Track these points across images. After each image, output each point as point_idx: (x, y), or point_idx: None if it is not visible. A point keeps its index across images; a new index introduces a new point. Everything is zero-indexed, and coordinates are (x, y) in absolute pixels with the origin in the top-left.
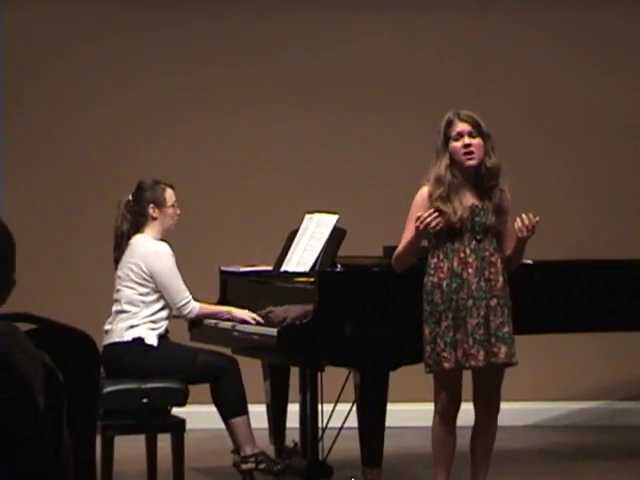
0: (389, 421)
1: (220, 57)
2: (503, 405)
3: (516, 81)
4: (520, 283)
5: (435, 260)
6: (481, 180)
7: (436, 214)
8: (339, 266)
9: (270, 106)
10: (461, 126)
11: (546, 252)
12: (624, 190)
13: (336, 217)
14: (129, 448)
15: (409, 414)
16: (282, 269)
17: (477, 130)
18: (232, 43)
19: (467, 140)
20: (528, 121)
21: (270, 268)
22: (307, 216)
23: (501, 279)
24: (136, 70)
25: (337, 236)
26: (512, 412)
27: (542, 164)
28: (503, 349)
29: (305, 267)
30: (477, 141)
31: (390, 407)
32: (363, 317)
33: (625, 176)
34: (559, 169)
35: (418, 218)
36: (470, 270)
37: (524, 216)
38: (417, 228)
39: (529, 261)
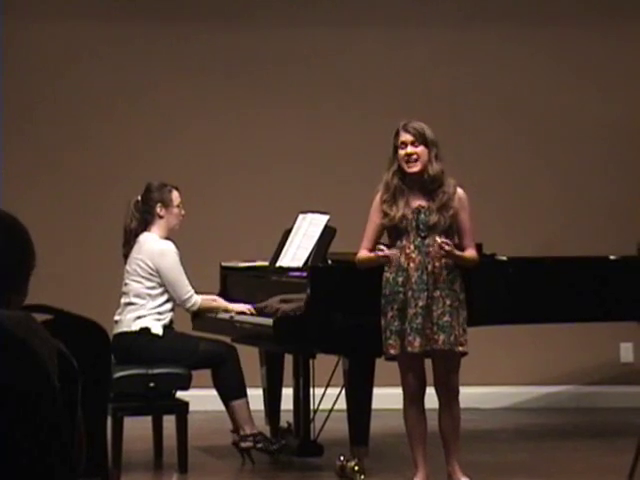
0: (375, 404)
1: (221, 66)
2: (480, 389)
3: (498, 91)
4: (495, 278)
5: None
6: (425, 184)
7: (396, 252)
8: (330, 261)
9: (266, 114)
10: (404, 136)
11: (519, 249)
12: (592, 193)
13: (327, 217)
14: (137, 428)
15: (393, 397)
16: (277, 264)
17: (420, 139)
18: (231, 53)
19: (409, 149)
20: (507, 129)
21: (267, 263)
22: (300, 216)
23: (445, 272)
24: (143, 80)
25: (328, 234)
26: (489, 395)
27: (518, 170)
28: (442, 337)
29: (299, 262)
30: (420, 150)
31: (376, 391)
32: (351, 308)
33: (593, 181)
34: (533, 175)
35: (381, 250)
36: (412, 264)
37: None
38: (378, 257)
39: (504, 257)
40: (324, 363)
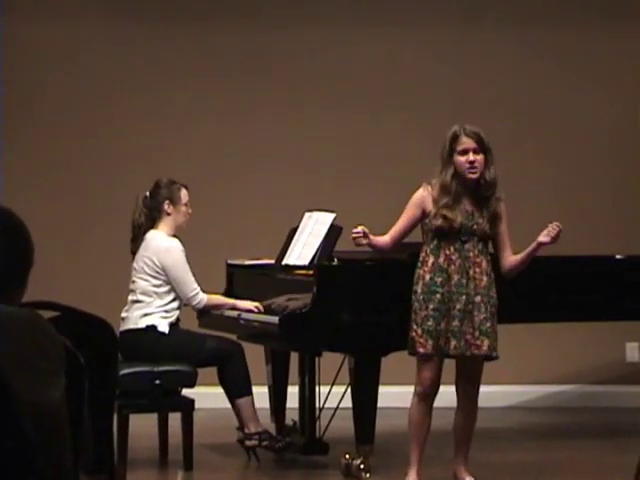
0: (381, 402)
1: (228, 66)
2: (486, 388)
3: (500, 91)
4: (501, 278)
5: (423, 254)
6: (480, 190)
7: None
8: (335, 260)
9: (273, 113)
10: (467, 142)
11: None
12: (601, 194)
13: (333, 215)
14: (143, 426)
15: (399, 396)
16: (283, 263)
17: (480, 146)
18: (238, 53)
19: (472, 157)
20: (511, 128)
21: (272, 262)
22: (306, 214)
23: (485, 278)
24: (152, 78)
25: (334, 233)
26: (494, 394)
27: (526, 170)
28: (486, 342)
29: (304, 261)
30: (480, 157)
31: (381, 389)
32: (357, 307)
33: (602, 181)
34: (542, 176)
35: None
36: (453, 267)
37: (553, 225)
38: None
39: None
40: (330, 361)
